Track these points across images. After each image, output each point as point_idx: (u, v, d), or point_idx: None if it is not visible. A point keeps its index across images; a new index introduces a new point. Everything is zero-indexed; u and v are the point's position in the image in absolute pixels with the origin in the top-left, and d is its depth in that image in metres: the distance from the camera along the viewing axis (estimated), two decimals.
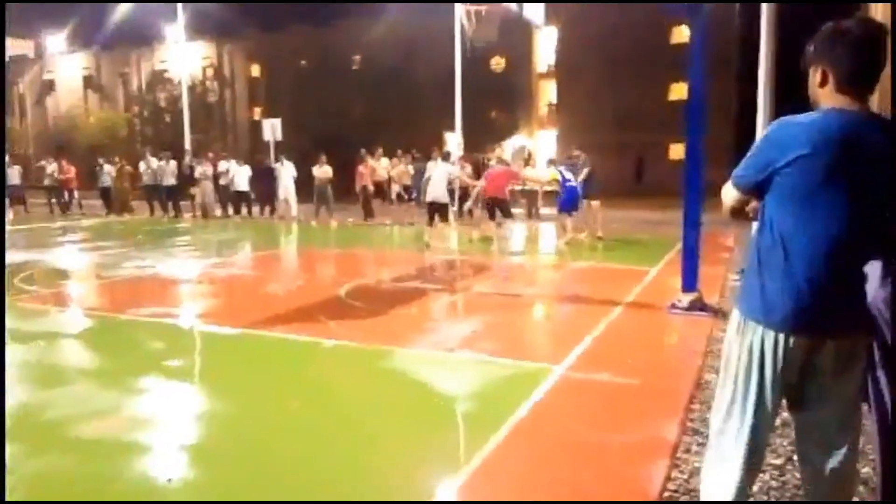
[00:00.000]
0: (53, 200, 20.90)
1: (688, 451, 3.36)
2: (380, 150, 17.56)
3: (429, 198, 11.50)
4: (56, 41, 45.14)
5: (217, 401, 4.29)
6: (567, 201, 11.62)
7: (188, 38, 27.99)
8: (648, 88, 36.58)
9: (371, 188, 16.89)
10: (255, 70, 48.32)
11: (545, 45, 41.33)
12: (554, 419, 3.85)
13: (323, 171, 16.68)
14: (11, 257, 10.58)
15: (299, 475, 3.18)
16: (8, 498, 2.87)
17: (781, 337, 1.99)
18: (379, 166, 17.17)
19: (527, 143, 39.23)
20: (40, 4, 44.84)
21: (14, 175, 21.57)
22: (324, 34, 42.87)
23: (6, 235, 13.16)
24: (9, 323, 6.45)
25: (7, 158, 23.34)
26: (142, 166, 19.29)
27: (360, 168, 17.03)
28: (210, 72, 47.09)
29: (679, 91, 32.73)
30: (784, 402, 2.15)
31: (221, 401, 4.28)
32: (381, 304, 6.92)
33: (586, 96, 38.66)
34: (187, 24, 26.54)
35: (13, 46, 54.73)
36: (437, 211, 11.53)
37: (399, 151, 18.30)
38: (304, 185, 17.33)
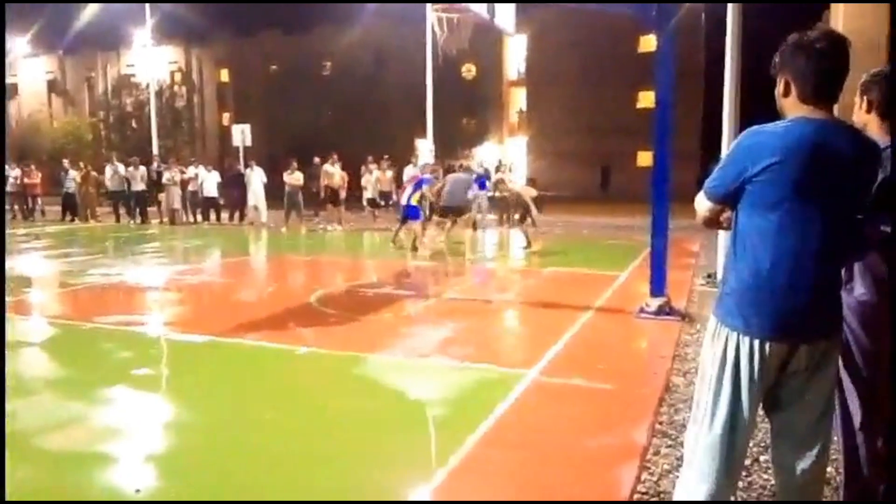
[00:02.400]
0: (16, 206, 20.43)
1: (657, 453, 3.41)
2: (334, 156, 17.11)
3: (449, 203, 11.51)
4: (19, 44, 44.17)
5: (187, 410, 4.23)
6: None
7: (156, 43, 27.64)
8: (618, 96, 37.13)
9: (323, 194, 16.67)
10: (225, 75, 47.87)
11: (515, 53, 41.67)
12: (527, 423, 3.88)
13: (294, 177, 16.57)
14: None
15: (272, 483, 3.16)
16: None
17: (757, 343, 2.01)
18: (336, 172, 16.72)
19: (495, 150, 39.33)
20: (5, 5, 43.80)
21: None
22: (294, 40, 42.71)
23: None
24: None
25: None
26: (108, 172, 18.96)
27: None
28: (178, 76, 46.51)
29: (647, 99, 33.28)
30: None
31: (191, 410, 4.23)
32: (352, 311, 6.90)
33: (556, 104, 39.07)
34: (155, 28, 26.20)
35: None
36: (454, 215, 11.63)
37: (370, 158, 18.27)
38: (275, 192, 17.21)
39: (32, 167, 20.75)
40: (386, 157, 18.32)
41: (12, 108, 52.29)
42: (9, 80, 53.32)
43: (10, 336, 6.09)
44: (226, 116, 44.90)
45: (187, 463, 3.45)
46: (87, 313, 7.00)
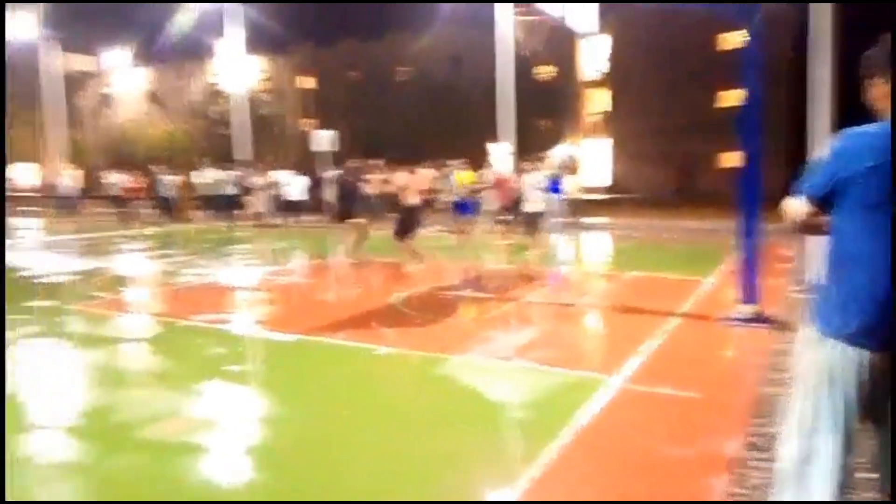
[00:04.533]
0: (117, 210, 21.70)
1: (749, 466, 3.30)
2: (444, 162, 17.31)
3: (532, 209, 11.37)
4: (118, 57, 46.96)
5: (275, 405, 4.40)
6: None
7: (245, 53, 28.77)
8: (698, 95, 35.99)
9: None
10: (307, 83, 49.30)
11: (593, 53, 41.06)
12: (609, 431, 3.83)
13: (375, 180, 16.88)
14: (82, 265, 11.04)
15: (355, 478, 3.25)
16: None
17: (858, 351, 1.94)
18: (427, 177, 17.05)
19: (573, 150, 38.87)
20: (103, 21, 46.68)
21: (72, 186, 22.67)
22: (372, 47, 43.53)
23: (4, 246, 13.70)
24: (80, 328, 6.76)
25: (68, 168, 24.48)
26: (201, 177, 19.89)
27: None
28: (264, 85, 48.30)
29: (730, 98, 32.08)
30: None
31: (279, 405, 4.39)
32: (433, 313, 6.98)
33: (635, 104, 38.26)
34: (244, 39, 27.28)
35: (78, 63, 57.12)
36: (527, 218, 11.48)
37: (446, 162, 18.38)
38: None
39: (132, 173, 22.04)
40: (463, 160, 18.39)
41: (111, 117, 55.62)
42: (108, 90, 56.66)
43: (113, 332, 6.50)
44: (308, 123, 46.20)
45: (275, 456, 3.58)
46: (183, 311, 7.37)
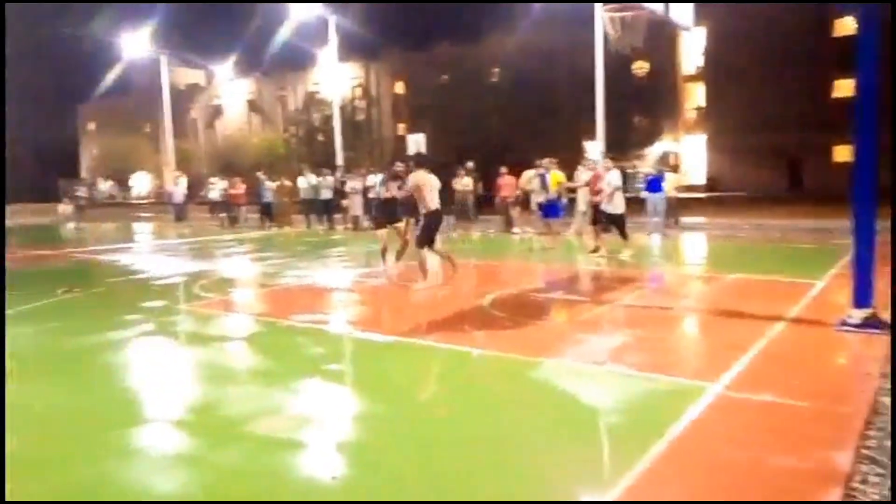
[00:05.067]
0: (223, 214, 22.88)
1: (865, 481, 3.09)
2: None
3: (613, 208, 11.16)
4: (223, 69, 49.68)
5: (373, 404, 4.50)
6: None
7: (339, 60, 29.66)
8: (807, 86, 34.01)
9: (511, 199, 16.91)
10: (400, 87, 50.22)
11: (691, 47, 39.58)
12: (710, 439, 3.68)
13: (463, 183, 17.00)
14: (191, 267, 11.73)
15: (450, 477, 3.28)
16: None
17: None
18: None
19: (672, 148, 37.74)
20: (211, 37, 49.43)
21: (179, 192, 24.20)
22: (463, 50, 43.81)
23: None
24: (189, 327, 7.18)
25: (179, 176, 26.09)
26: (301, 182, 20.67)
27: (499, 180, 17.15)
28: (358, 91, 49.62)
29: (845, 88, 30.13)
30: None
31: (377, 404, 4.49)
32: (525, 315, 6.95)
33: (737, 97, 36.59)
34: (338, 47, 28.13)
35: (188, 76, 60.72)
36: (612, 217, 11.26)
37: (537, 161, 18.23)
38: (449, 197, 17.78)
39: (236, 179, 23.23)
40: (553, 159, 18.19)
41: (218, 126, 58.68)
42: (215, 102, 59.94)
43: (219, 330, 6.86)
44: (400, 127, 47.08)
45: (374, 454, 3.66)
46: (283, 311, 7.69)
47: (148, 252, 15.97)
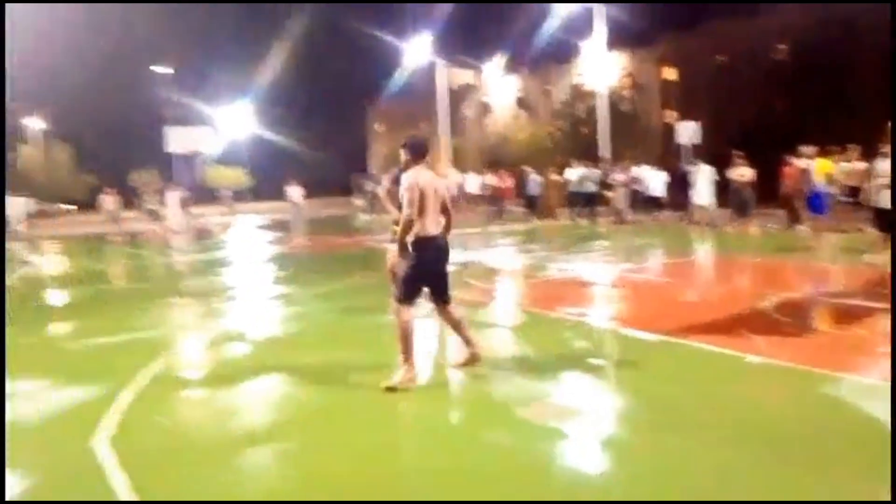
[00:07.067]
0: (490, 207, 23.98)
1: None
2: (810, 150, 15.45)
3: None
4: (492, 67, 51.97)
5: (635, 403, 4.38)
6: None
7: (605, 50, 29.22)
8: None
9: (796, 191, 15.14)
10: (668, 73, 47.89)
11: None
12: None
13: (738, 173, 15.66)
14: (460, 257, 12.50)
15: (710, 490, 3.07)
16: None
17: None
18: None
19: None
20: (481, 37, 52.05)
21: (455, 187, 25.72)
22: (740, 26, 40.12)
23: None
24: (459, 313, 7.66)
25: (453, 172, 27.79)
26: (569, 174, 20.84)
27: (786, 169, 15.46)
28: (625, 81, 48.39)
29: None
30: None
31: (639, 403, 4.35)
32: (814, 321, 6.21)
33: None
34: (604, 37, 27.72)
35: (460, 77, 64.64)
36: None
37: (838, 148, 16.07)
38: (724, 189, 16.56)
39: (503, 173, 24.14)
40: (853, 146, 15.87)
41: (487, 123, 61.62)
42: (484, 99, 62.84)
43: (485, 318, 7.19)
44: (668, 114, 44.89)
45: (628, 452, 3.57)
46: (547, 303, 7.82)
47: None
